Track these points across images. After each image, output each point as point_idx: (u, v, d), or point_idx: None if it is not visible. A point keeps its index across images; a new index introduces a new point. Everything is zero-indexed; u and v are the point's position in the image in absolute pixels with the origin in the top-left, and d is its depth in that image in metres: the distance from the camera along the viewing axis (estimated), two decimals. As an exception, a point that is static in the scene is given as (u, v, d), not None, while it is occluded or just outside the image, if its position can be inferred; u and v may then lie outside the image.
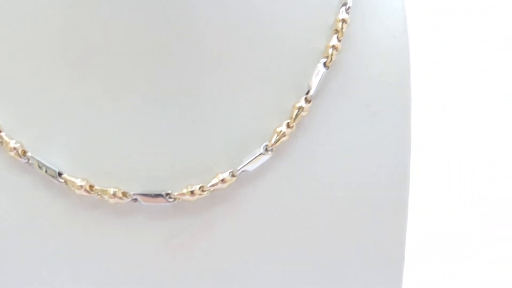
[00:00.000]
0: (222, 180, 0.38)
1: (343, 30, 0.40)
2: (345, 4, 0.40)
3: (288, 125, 0.39)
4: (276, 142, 0.38)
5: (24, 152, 0.38)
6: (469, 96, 1.00)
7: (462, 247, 0.85)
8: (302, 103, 0.39)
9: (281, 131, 0.38)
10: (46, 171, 0.38)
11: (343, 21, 0.40)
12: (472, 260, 0.83)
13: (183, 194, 0.38)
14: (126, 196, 0.38)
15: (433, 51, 1.01)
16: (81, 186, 0.38)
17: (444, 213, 0.91)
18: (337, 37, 0.39)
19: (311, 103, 0.39)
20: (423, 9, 1.01)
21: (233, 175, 0.38)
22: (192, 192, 0.38)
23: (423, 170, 0.98)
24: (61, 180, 0.38)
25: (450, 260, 0.83)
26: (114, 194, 0.38)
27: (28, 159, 0.38)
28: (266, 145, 0.38)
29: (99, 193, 0.38)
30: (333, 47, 0.39)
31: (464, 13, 1.00)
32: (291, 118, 0.39)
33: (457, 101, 1.00)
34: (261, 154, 0.38)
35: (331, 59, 0.39)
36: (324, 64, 0.39)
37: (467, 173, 0.95)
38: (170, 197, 0.38)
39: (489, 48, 1.00)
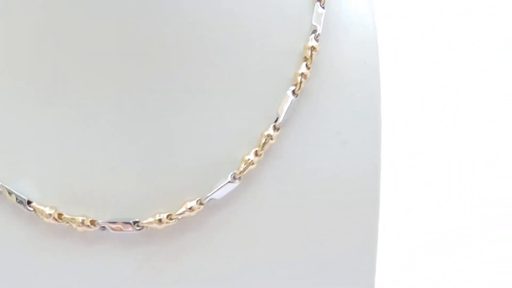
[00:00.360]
0: (190, 208, 0.38)
1: (313, 57, 0.39)
2: (315, 31, 0.40)
3: (256, 153, 0.39)
4: (244, 170, 0.38)
5: (-6, 180, 0.39)
6: (469, 96, 1.00)
7: (462, 247, 0.85)
8: (270, 131, 0.39)
9: (249, 159, 0.38)
10: (16, 199, 0.38)
11: (313, 48, 0.39)
12: (472, 260, 0.83)
13: (151, 222, 0.38)
14: (94, 225, 0.38)
15: (433, 51, 1.01)
16: (50, 215, 0.38)
17: (444, 213, 0.91)
18: (306, 65, 0.39)
19: (279, 131, 0.39)
20: (423, 9, 1.00)
21: (201, 203, 0.38)
22: (160, 221, 0.38)
23: (423, 170, 0.98)
24: (30, 208, 0.38)
25: (450, 260, 0.83)
26: (82, 223, 0.38)
27: (-2, 187, 0.39)
28: (234, 173, 0.38)
29: (68, 222, 0.38)
30: (302, 74, 0.39)
31: (464, 13, 0.99)
32: (259, 146, 0.39)
33: (457, 101, 1.00)
34: (229, 182, 0.38)
35: (300, 86, 0.39)
36: (293, 91, 0.39)
37: (467, 173, 0.95)
38: (138, 225, 0.38)
39: (489, 48, 0.99)
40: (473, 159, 0.96)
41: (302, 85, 0.39)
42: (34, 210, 0.38)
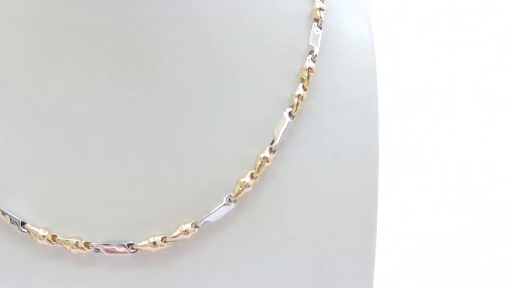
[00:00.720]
0: (185, 231, 0.38)
1: (309, 78, 0.39)
2: (312, 52, 0.40)
3: (252, 176, 0.38)
4: (239, 193, 0.38)
5: (-12, 202, 0.38)
6: (466, 100, 1.00)
7: (459, 251, 0.85)
8: (266, 153, 0.38)
9: (244, 181, 0.38)
10: (10, 221, 0.38)
11: (309, 69, 0.39)
12: (469, 264, 0.83)
13: (145, 245, 0.38)
14: (88, 247, 0.38)
15: (430, 54, 1.00)
16: (44, 236, 0.38)
17: (441, 216, 0.91)
18: (303, 86, 0.39)
19: (275, 153, 0.38)
20: (421, 10, 1.00)
21: (195, 226, 0.38)
22: (154, 243, 0.38)
23: (421, 174, 0.98)
24: (24, 229, 0.38)
25: (447, 264, 0.84)
26: (76, 244, 0.38)
27: (-8, 208, 0.38)
28: (230, 196, 0.38)
29: (62, 243, 0.38)
30: (299, 96, 0.39)
31: (462, 14, 0.99)
32: (255, 168, 0.38)
33: (454, 105, 0.99)
34: (224, 205, 0.38)
35: (297, 108, 0.39)
36: (290, 113, 0.39)
37: (464, 176, 0.95)
38: (132, 248, 0.38)
39: (486, 51, 0.99)
40: (470, 163, 0.96)
41: (299, 107, 0.39)
42: (28, 231, 0.38)
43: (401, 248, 0.84)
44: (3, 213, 0.38)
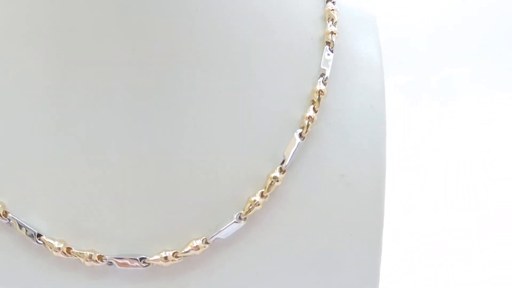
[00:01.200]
0: (196, 247, 0.39)
1: (320, 101, 0.40)
2: (323, 74, 0.41)
3: (262, 195, 0.40)
4: (249, 211, 0.39)
5: (6, 213, 0.40)
6: (467, 99, 1.00)
7: (459, 249, 0.86)
8: (276, 173, 0.40)
9: (254, 200, 0.39)
10: (26, 232, 0.39)
11: (320, 92, 0.40)
12: (470, 262, 0.84)
13: (157, 259, 0.39)
14: (101, 260, 0.39)
15: (432, 53, 1.01)
16: (59, 249, 0.39)
17: (442, 215, 0.92)
18: (314, 108, 0.40)
19: (285, 173, 0.40)
20: (424, 9, 1.00)
21: (206, 242, 0.39)
22: (165, 258, 0.39)
23: (421, 173, 0.98)
24: (40, 241, 0.39)
25: (447, 262, 0.84)
26: (90, 257, 0.39)
27: (9, 220, 0.40)
28: (240, 214, 0.39)
29: (76, 256, 0.39)
30: (309, 118, 0.40)
31: (462, 14, 0.99)
32: (265, 187, 0.40)
33: (455, 104, 1.00)
34: (234, 222, 0.39)
35: (307, 130, 0.40)
36: (300, 134, 0.40)
37: (464, 175, 0.96)
38: (144, 262, 0.39)
39: (487, 51, 1.00)
40: (470, 162, 0.97)
41: (309, 128, 0.40)
42: (44, 243, 0.39)
43: (401, 247, 0.85)
44: (20, 226, 0.39)
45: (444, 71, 1.00)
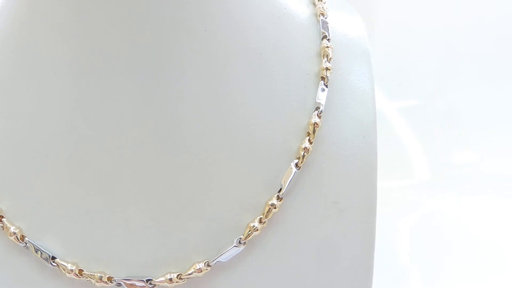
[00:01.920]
0: (198, 269, 0.42)
1: (315, 133, 0.43)
2: (318, 108, 0.44)
3: (260, 221, 0.43)
4: (248, 235, 0.42)
5: (23, 237, 0.43)
6: (468, 98, 1.01)
7: (459, 249, 0.87)
8: (274, 200, 0.43)
9: (253, 226, 0.42)
10: (41, 255, 0.43)
11: (315, 124, 0.43)
12: (469, 262, 0.85)
13: (163, 281, 0.42)
14: (111, 281, 0.42)
15: (432, 54, 1.03)
16: (71, 270, 0.42)
17: (442, 214, 0.93)
18: (309, 139, 0.43)
19: (282, 200, 0.43)
20: (423, 6, 1.02)
21: (208, 265, 0.42)
22: (170, 280, 0.42)
23: (424, 193, 1.00)
24: (54, 264, 0.43)
25: (448, 262, 0.85)
26: (100, 279, 0.42)
27: (26, 243, 0.43)
28: (240, 238, 0.42)
29: (87, 277, 0.42)
30: (305, 149, 0.43)
31: (461, 14, 1.01)
32: (264, 214, 0.43)
33: (455, 102, 1.01)
34: (234, 246, 0.42)
35: (303, 160, 0.43)
36: (296, 164, 0.43)
37: (468, 196, 0.97)
38: (150, 283, 0.42)
39: (492, 75, 1.01)
40: (475, 184, 0.98)
41: (305, 159, 0.43)
42: (57, 265, 0.43)
43: (397, 249, 0.86)
44: (35, 249, 0.43)
45: (448, 95, 1.02)
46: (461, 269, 0.82)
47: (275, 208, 0.43)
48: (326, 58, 0.45)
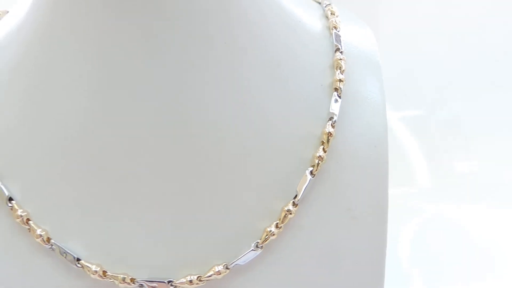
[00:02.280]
0: (217, 272, 0.44)
1: (329, 142, 0.45)
2: (331, 118, 0.46)
3: (276, 226, 0.45)
4: (265, 240, 0.45)
5: (48, 239, 0.45)
6: (469, 107, 1.03)
7: (460, 256, 0.88)
8: (290, 206, 0.45)
9: (270, 230, 0.45)
10: (66, 257, 0.45)
11: (329, 134, 0.45)
12: (470, 269, 0.86)
13: (183, 283, 0.44)
14: (133, 282, 0.44)
15: (434, 64, 1.04)
16: (96, 272, 0.44)
17: (443, 214, 0.94)
18: (323, 148, 0.45)
19: (297, 206, 0.45)
20: (424, 5, 1.03)
21: (227, 268, 0.44)
22: (190, 281, 0.44)
23: (428, 201, 1.01)
24: (78, 265, 0.45)
25: (448, 269, 0.86)
26: (124, 280, 0.44)
27: (52, 245, 0.45)
28: (257, 243, 0.45)
29: (111, 278, 0.44)
30: (319, 157, 0.45)
31: (461, 15, 1.02)
32: (280, 219, 0.45)
33: (457, 112, 1.03)
34: (252, 250, 0.45)
35: (317, 168, 0.45)
36: (311, 172, 0.45)
37: (471, 206, 0.98)
38: (171, 285, 0.44)
39: (496, 86, 1.03)
40: (480, 195, 0.99)
41: (319, 167, 0.45)
42: (82, 266, 0.45)
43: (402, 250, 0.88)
44: (60, 252, 0.45)
45: (449, 105, 1.03)
46: (462, 276, 0.83)
47: (291, 213, 0.45)
48: (339, 70, 0.47)
